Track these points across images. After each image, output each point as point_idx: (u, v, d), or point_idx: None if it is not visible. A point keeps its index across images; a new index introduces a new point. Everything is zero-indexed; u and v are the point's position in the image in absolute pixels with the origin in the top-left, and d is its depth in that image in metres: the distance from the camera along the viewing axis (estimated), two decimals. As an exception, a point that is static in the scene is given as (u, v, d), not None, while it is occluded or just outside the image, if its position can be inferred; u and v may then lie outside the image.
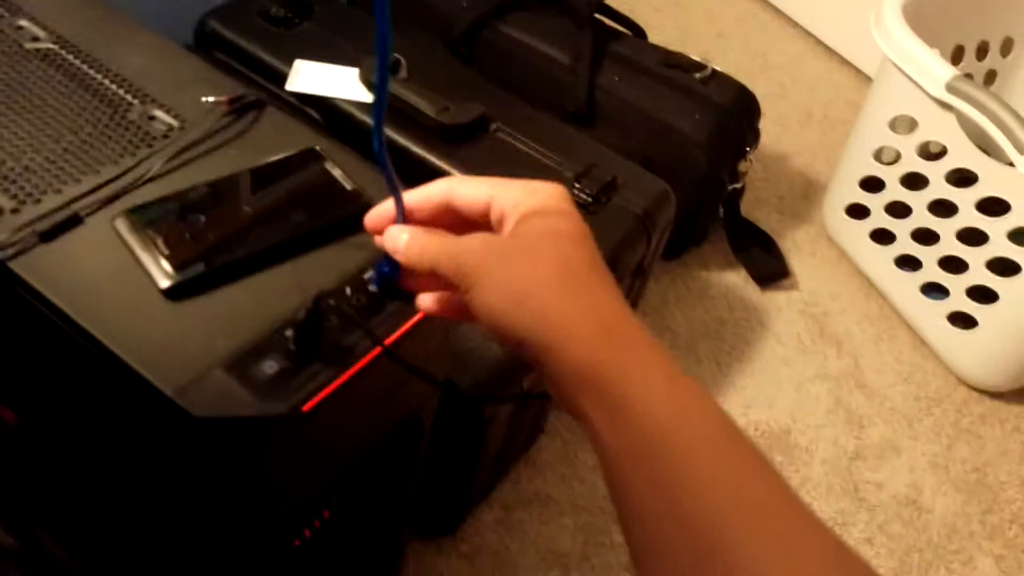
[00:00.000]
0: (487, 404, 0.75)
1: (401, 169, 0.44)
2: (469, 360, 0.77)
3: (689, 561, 0.32)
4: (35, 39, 0.63)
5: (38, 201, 0.52)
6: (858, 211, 1.24)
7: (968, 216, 1.08)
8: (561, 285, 0.37)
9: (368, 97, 0.97)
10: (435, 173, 0.93)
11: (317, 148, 0.58)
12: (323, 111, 0.98)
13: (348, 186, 0.56)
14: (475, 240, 0.40)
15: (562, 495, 0.95)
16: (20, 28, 0.63)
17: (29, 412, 0.60)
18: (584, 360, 0.36)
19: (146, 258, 0.49)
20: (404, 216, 0.45)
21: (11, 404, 0.60)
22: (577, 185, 0.93)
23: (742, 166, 1.20)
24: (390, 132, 0.94)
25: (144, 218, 0.51)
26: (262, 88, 0.98)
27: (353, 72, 0.99)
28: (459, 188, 0.43)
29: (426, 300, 0.45)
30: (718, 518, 0.32)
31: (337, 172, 0.57)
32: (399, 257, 0.43)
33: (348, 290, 0.51)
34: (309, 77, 0.99)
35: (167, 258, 0.49)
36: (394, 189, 0.44)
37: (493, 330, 0.38)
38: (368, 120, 0.96)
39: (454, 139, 0.94)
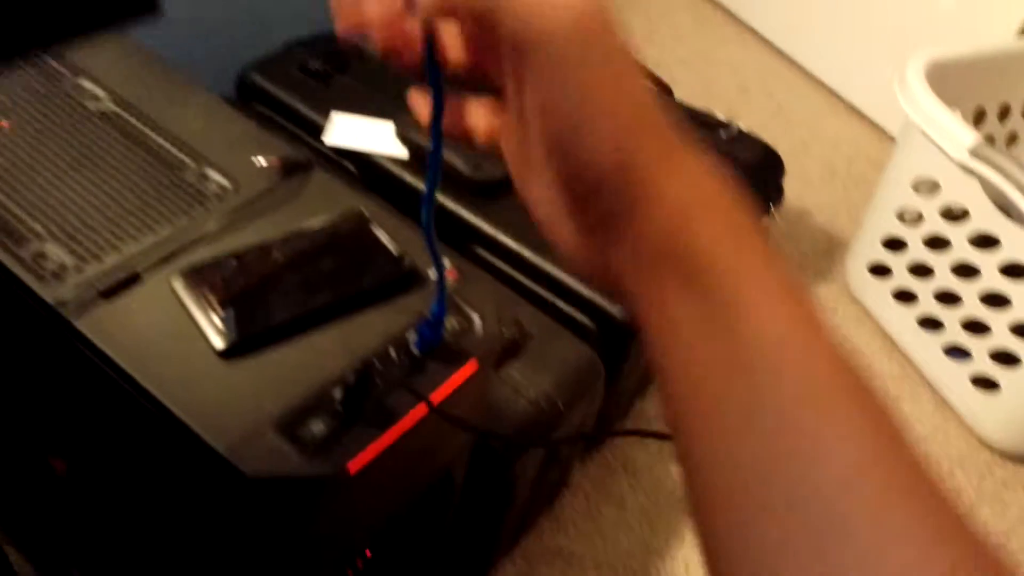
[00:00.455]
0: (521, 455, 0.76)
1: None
2: (497, 414, 0.79)
3: (792, 528, 0.25)
4: (95, 99, 0.65)
5: (98, 259, 0.54)
6: (881, 270, 1.25)
7: (991, 279, 1.09)
8: (645, 127, 0.28)
9: (403, 151, 0.99)
10: (466, 227, 0.95)
11: (363, 211, 0.60)
12: (359, 164, 1.01)
13: (392, 249, 0.58)
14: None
15: (585, 551, 0.95)
16: (81, 88, 0.66)
17: (78, 461, 0.61)
18: (676, 230, 0.27)
19: (201, 318, 0.51)
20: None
21: (62, 453, 0.62)
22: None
23: (765, 224, 1.21)
24: (422, 185, 0.96)
25: (200, 278, 0.53)
26: (300, 141, 1.01)
27: (389, 126, 1.01)
28: None
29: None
30: (839, 489, 0.25)
31: (382, 235, 0.59)
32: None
33: (392, 351, 0.52)
34: (345, 130, 1.02)
35: (221, 319, 0.51)
36: (438, 265, 0.46)
37: (551, 140, 0.28)
38: (403, 175, 0.99)
39: (485, 194, 0.97)
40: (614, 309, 0.91)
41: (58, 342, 0.51)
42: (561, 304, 0.91)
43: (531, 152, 0.30)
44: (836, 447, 0.25)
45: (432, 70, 0.32)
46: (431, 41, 0.31)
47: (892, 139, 1.57)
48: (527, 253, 0.92)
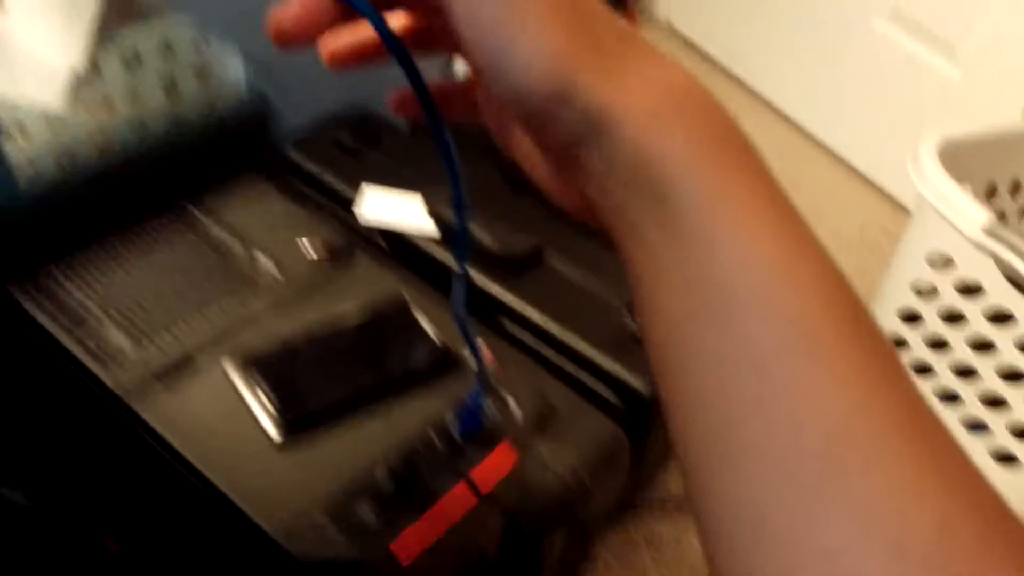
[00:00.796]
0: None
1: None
2: (525, 490, 0.80)
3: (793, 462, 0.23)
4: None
5: (152, 340, 0.57)
6: (897, 343, 1.26)
7: (1008, 354, 1.10)
8: (579, 32, 0.24)
9: (433, 228, 1.02)
10: (493, 301, 0.97)
11: (404, 295, 0.63)
12: (389, 239, 1.04)
13: (432, 333, 0.60)
14: None
15: (608, 624, 0.95)
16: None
17: (132, 541, 0.63)
18: (641, 151, 0.24)
19: (254, 403, 0.53)
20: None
21: (116, 533, 0.63)
22: (627, 314, 0.97)
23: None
24: (453, 262, 0.99)
25: (251, 363, 0.55)
26: (336, 217, 1.04)
27: (419, 202, 1.05)
28: None
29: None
30: (837, 426, 0.23)
31: (422, 318, 0.61)
32: None
33: (434, 436, 0.54)
34: (376, 204, 1.06)
35: (273, 404, 0.53)
36: (477, 358, 0.48)
37: (486, 60, 0.24)
38: (432, 251, 1.01)
39: (511, 269, 0.99)
40: (638, 384, 0.92)
41: (116, 424, 0.53)
42: (586, 378, 0.93)
43: (503, 110, 0.29)
44: (821, 395, 0.23)
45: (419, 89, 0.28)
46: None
47: (905, 209, 1.60)
48: (553, 328, 0.94)
